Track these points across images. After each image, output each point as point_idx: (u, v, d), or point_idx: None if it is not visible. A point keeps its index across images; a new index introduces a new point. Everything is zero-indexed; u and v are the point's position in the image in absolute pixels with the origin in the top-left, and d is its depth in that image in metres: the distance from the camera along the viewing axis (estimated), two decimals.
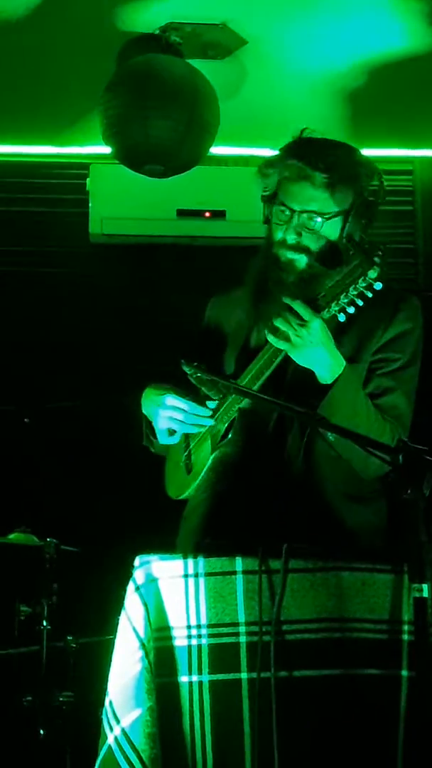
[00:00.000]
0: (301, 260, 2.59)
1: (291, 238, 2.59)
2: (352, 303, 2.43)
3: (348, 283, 2.41)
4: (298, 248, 2.59)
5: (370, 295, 2.41)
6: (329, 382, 2.50)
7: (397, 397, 2.62)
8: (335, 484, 2.60)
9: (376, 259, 2.39)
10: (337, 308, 2.44)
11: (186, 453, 2.72)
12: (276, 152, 2.69)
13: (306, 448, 2.58)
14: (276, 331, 2.47)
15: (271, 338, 2.48)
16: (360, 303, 2.43)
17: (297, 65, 4.17)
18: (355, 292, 2.42)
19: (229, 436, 2.59)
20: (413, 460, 2.05)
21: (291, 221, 2.59)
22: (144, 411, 2.71)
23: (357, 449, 2.39)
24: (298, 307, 2.43)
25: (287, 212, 2.60)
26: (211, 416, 2.61)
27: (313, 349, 2.46)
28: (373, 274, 2.39)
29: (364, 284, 2.40)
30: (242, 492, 2.58)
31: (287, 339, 2.45)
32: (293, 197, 2.59)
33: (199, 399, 2.61)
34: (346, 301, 2.43)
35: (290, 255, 2.60)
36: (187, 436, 2.71)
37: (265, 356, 2.55)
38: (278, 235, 2.62)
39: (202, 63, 4.04)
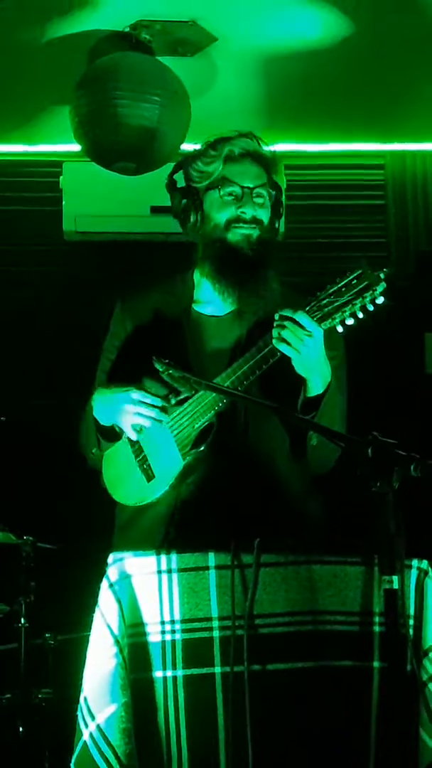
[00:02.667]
0: (255, 233, 2.66)
1: (249, 213, 2.66)
2: (353, 315, 2.46)
3: (353, 295, 2.44)
4: (254, 221, 2.66)
5: (372, 308, 2.44)
6: (320, 391, 2.53)
7: (340, 397, 2.66)
8: (295, 479, 2.65)
9: (383, 275, 2.43)
10: (339, 319, 2.46)
11: (140, 458, 2.65)
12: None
13: (264, 443, 2.63)
14: (280, 339, 2.48)
15: (281, 346, 2.48)
16: (361, 316, 2.45)
17: (266, 61, 4.19)
18: (359, 305, 2.44)
19: (202, 448, 2.58)
20: (382, 453, 2.07)
21: (244, 198, 2.65)
22: (97, 412, 2.64)
23: (331, 447, 2.45)
24: (302, 317, 2.45)
25: (238, 190, 2.66)
26: (171, 421, 2.59)
27: (316, 358, 2.49)
28: (380, 288, 2.43)
29: (369, 298, 2.43)
30: (211, 488, 2.60)
31: (291, 346, 2.47)
32: (244, 175, 2.67)
33: (164, 397, 2.58)
34: (348, 313, 2.45)
35: (246, 230, 2.65)
36: (136, 442, 2.65)
37: (252, 361, 2.55)
38: (227, 215, 2.66)
39: (173, 60, 4.05)
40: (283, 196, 2.76)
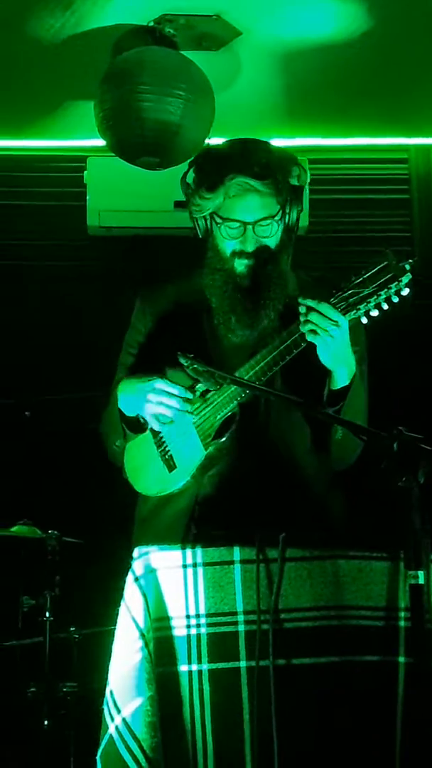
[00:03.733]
0: (260, 262, 2.63)
1: (251, 247, 2.63)
2: (377, 306, 2.45)
3: (378, 287, 2.43)
4: (259, 253, 2.63)
5: (396, 300, 2.43)
6: (346, 383, 2.53)
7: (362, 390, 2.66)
8: (316, 473, 2.66)
9: (407, 266, 2.42)
10: (363, 310, 2.46)
11: (162, 448, 2.66)
12: (193, 169, 2.69)
13: (286, 437, 2.63)
14: (308, 329, 2.48)
15: (309, 337, 2.48)
16: (385, 307, 2.44)
17: (290, 55, 4.18)
18: (384, 297, 2.43)
19: (224, 439, 2.58)
20: (408, 448, 2.06)
21: (246, 233, 2.62)
22: (122, 402, 2.65)
23: (354, 441, 2.45)
24: (326, 308, 2.45)
25: (239, 226, 2.62)
26: (195, 411, 2.59)
27: (343, 349, 2.49)
28: (405, 279, 2.42)
29: (394, 289, 2.42)
30: (232, 482, 2.60)
31: (318, 336, 2.46)
32: (244, 211, 2.62)
33: (189, 387, 2.59)
34: (372, 304, 2.45)
35: (251, 262, 2.63)
36: (158, 433, 2.66)
37: (276, 352, 2.55)
38: (230, 247, 2.64)
39: (197, 54, 4.05)
40: (306, 190, 2.73)
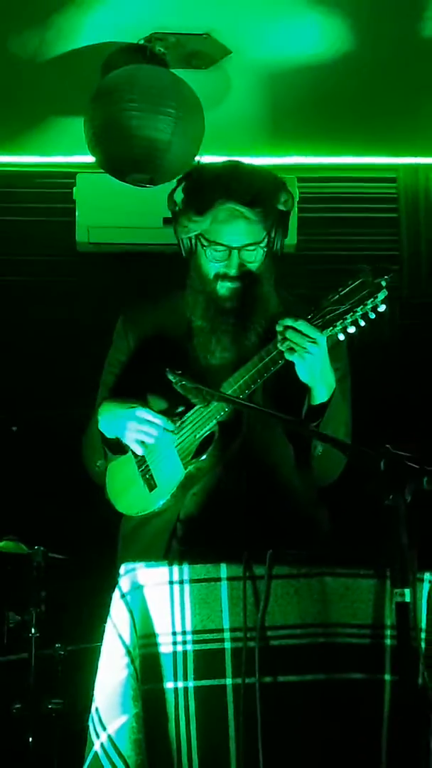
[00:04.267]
0: (243, 285, 2.64)
1: (234, 271, 2.64)
2: (354, 323, 2.46)
3: (354, 303, 2.45)
4: (242, 277, 2.64)
5: (373, 316, 2.45)
6: (325, 399, 2.54)
7: (345, 407, 2.68)
8: (300, 489, 2.67)
9: (383, 282, 2.43)
10: (340, 327, 2.47)
11: (142, 468, 2.67)
12: (182, 187, 2.71)
13: (269, 454, 2.64)
14: (287, 347, 2.49)
15: (287, 355, 2.50)
16: (362, 323, 2.46)
17: (280, 74, 4.20)
18: (360, 313, 2.45)
19: (203, 457, 2.59)
20: (395, 466, 2.07)
21: (230, 258, 2.64)
22: (103, 425, 2.67)
23: (335, 457, 2.47)
24: (303, 326, 2.46)
25: (224, 250, 2.63)
26: (176, 431, 2.60)
27: (320, 365, 2.50)
28: (381, 295, 2.43)
29: (370, 305, 2.43)
30: (214, 499, 2.61)
31: (296, 353, 2.48)
32: (230, 236, 2.63)
33: (167, 413, 2.61)
34: (349, 321, 2.46)
35: (234, 285, 2.65)
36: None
37: (254, 369, 2.57)
38: (214, 270, 2.66)
39: (187, 73, 4.06)
40: (295, 208, 2.75)
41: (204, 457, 2.59)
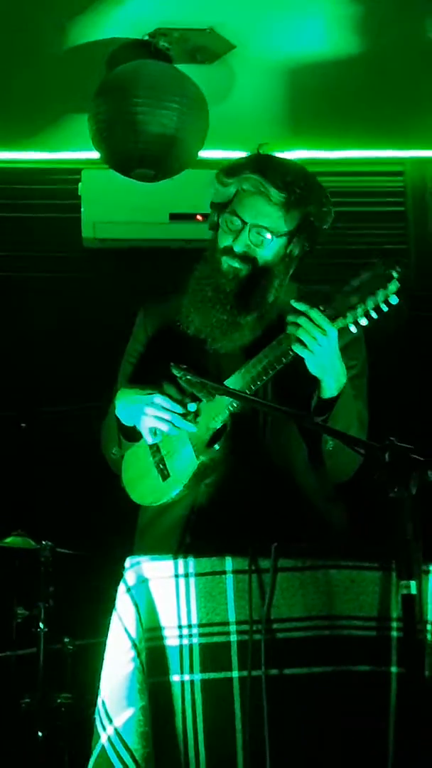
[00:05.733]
0: (243, 270, 2.64)
1: (239, 248, 2.64)
2: (366, 315, 2.44)
3: (365, 295, 2.42)
4: (244, 258, 2.63)
5: (385, 309, 2.42)
6: (335, 393, 2.52)
7: (359, 404, 2.66)
8: (313, 484, 2.65)
9: (395, 274, 2.42)
10: (351, 319, 2.45)
11: (157, 459, 2.67)
12: (235, 158, 2.72)
13: (283, 449, 2.63)
14: (295, 338, 2.47)
15: (294, 345, 2.48)
16: (374, 316, 2.44)
17: (284, 68, 4.20)
18: (372, 305, 2.42)
19: (216, 447, 2.58)
20: (400, 458, 2.07)
21: (241, 233, 2.63)
22: (120, 411, 2.66)
23: (348, 452, 2.45)
24: (316, 315, 2.44)
25: (238, 223, 2.64)
26: (193, 421, 2.59)
27: (329, 358, 2.48)
28: (393, 287, 2.41)
29: (382, 297, 2.42)
30: (227, 492, 2.60)
31: (305, 345, 2.46)
32: (247, 210, 2.63)
33: (183, 403, 2.60)
34: (361, 312, 2.44)
35: (235, 264, 2.64)
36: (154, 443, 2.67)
37: (265, 360, 2.55)
38: (225, 242, 2.66)
39: (191, 68, 4.07)
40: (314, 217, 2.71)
41: (217, 447, 2.59)
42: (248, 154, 2.75)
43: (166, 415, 2.57)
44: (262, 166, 2.65)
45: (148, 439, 2.62)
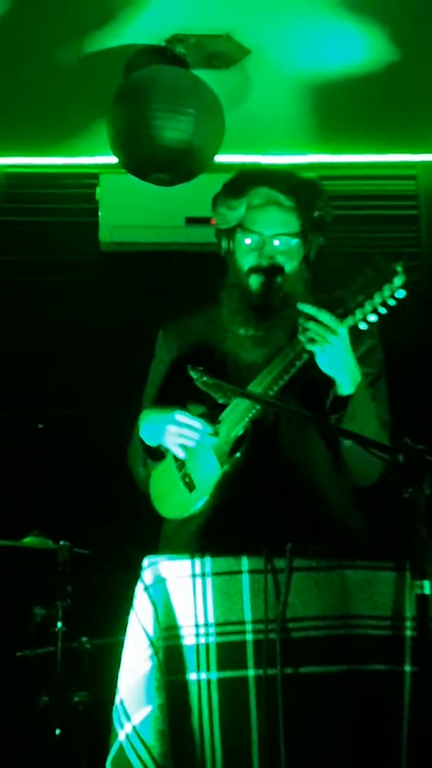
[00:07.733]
0: (276, 280, 2.67)
1: (265, 262, 2.66)
2: (374, 311, 2.48)
3: (371, 291, 2.46)
4: (273, 270, 2.67)
5: (392, 303, 2.45)
6: (351, 391, 2.54)
7: (379, 407, 2.69)
8: (334, 488, 2.67)
9: (399, 268, 2.44)
10: (360, 316, 2.48)
11: (183, 473, 2.68)
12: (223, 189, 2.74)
13: (304, 455, 2.66)
14: (306, 338, 2.51)
15: (309, 345, 2.51)
16: (383, 311, 2.47)
17: (300, 73, 4.22)
18: (379, 300, 2.46)
19: (237, 455, 2.61)
20: (414, 459, 2.09)
21: (263, 247, 2.66)
22: (144, 432, 2.70)
23: (365, 454, 2.47)
24: (324, 315, 2.47)
25: (256, 238, 2.67)
26: (215, 434, 2.61)
27: (342, 356, 2.50)
28: (398, 281, 2.44)
29: (388, 292, 2.45)
30: (246, 497, 2.62)
31: (317, 344, 2.49)
32: (262, 222, 2.66)
33: (205, 417, 2.62)
34: (369, 309, 2.47)
35: (264, 279, 2.67)
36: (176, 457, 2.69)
37: (281, 364, 2.58)
38: (249, 262, 2.69)
39: (207, 73, 4.09)
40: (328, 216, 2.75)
41: (238, 455, 2.62)
42: (234, 172, 2.76)
43: (189, 432, 2.59)
44: (263, 177, 2.68)
45: (180, 454, 2.63)
